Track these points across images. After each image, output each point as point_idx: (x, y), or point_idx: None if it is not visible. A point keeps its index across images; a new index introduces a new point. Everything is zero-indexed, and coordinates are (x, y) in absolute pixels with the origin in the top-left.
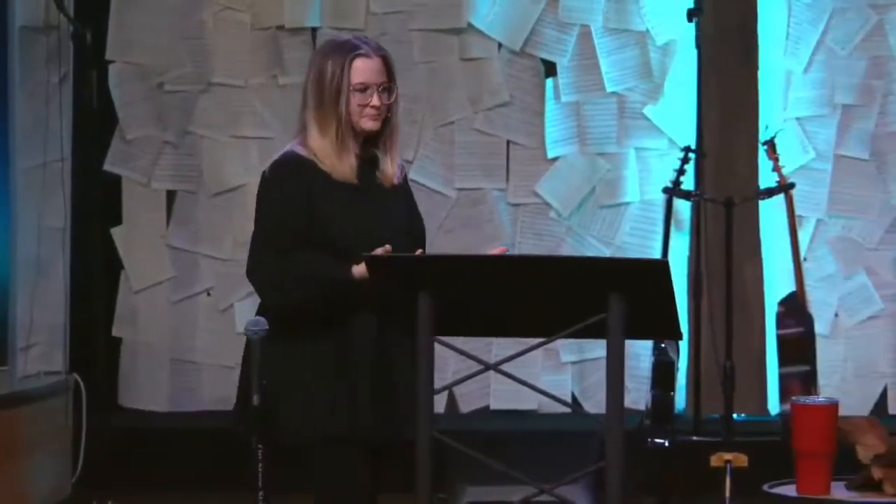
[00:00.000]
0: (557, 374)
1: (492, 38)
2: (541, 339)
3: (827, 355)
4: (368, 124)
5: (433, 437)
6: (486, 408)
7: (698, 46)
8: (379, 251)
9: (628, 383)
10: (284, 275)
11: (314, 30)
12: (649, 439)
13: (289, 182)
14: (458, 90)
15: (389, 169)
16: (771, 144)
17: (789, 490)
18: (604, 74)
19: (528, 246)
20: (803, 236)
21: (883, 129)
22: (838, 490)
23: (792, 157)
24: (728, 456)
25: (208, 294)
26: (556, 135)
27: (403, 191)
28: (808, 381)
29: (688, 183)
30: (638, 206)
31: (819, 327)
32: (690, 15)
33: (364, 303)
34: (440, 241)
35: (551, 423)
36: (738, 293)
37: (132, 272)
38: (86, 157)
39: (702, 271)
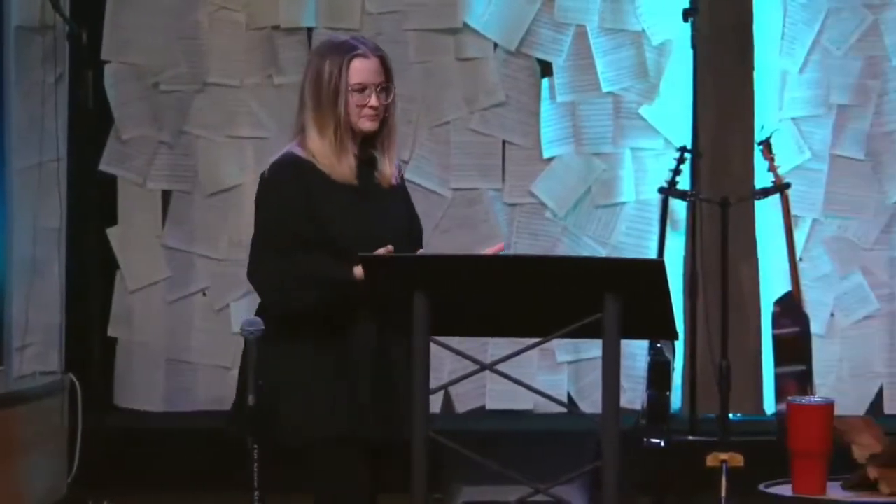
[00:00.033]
0: (553, 374)
1: (487, 37)
2: (537, 339)
3: (823, 355)
4: (367, 125)
5: (429, 437)
6: (482, 408)
7: (694, 46)
8: (381, 251)
9: (624, 383)
10: (285, 275)
11: (309, 30)
12: (645, 439)
13: (288, 183)
14: (453, 90)
15: (388, 169)
16: (767, 144)
17: (785, 490)
18: (599, 74)
19: (523, 246)
20: (799, 236)
21: (878, 129)
22: (834, 490)
23: (787, 157)
24: (724, 456)
25: (204, 294)
26: (551, 135)
27: (401, 191)
28: (804, 381)
29: (683, 183)
30: (634, 206)
31: (815, 327)
32: (686, 15)
33: (364, 305)
34: (436, 241)
35: (547, 423)
36: (734, 293)
37: (128, 272)
38: (81, 157)
39: (697, 271)
